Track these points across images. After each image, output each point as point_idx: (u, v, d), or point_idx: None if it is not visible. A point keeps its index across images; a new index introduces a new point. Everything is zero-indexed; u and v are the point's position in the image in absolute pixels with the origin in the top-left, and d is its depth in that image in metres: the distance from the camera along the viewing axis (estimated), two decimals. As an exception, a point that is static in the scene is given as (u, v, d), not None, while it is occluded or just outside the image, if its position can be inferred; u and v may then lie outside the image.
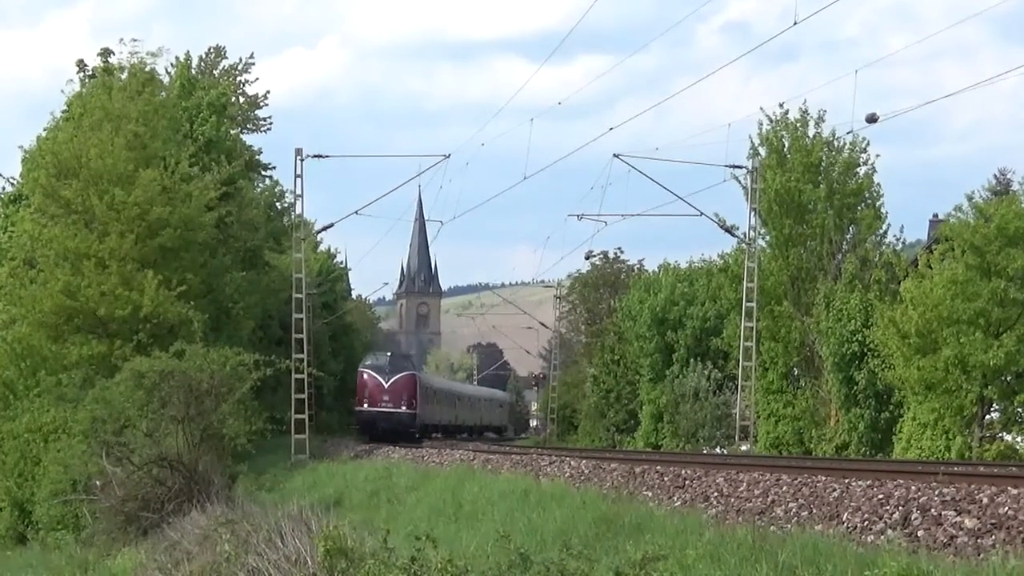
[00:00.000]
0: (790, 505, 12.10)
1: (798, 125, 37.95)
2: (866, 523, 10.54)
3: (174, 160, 36.44)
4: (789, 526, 10.96)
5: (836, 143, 37.69)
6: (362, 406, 48.17)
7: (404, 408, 47.93)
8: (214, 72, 46.25)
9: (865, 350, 32.96)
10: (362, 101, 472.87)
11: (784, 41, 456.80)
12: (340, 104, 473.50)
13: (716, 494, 13.88)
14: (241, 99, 46.96)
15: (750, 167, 37.26)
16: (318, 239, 56.88)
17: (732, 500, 13.30)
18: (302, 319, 37.93)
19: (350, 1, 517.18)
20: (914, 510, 10.35)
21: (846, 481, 12.45)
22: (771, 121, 38.20)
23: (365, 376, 48.79)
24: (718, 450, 40.58)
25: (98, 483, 27.17)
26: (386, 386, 47.85)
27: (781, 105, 38.25)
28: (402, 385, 48.37)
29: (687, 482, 15.12)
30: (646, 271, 61.30)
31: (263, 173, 49.25)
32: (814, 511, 11.47)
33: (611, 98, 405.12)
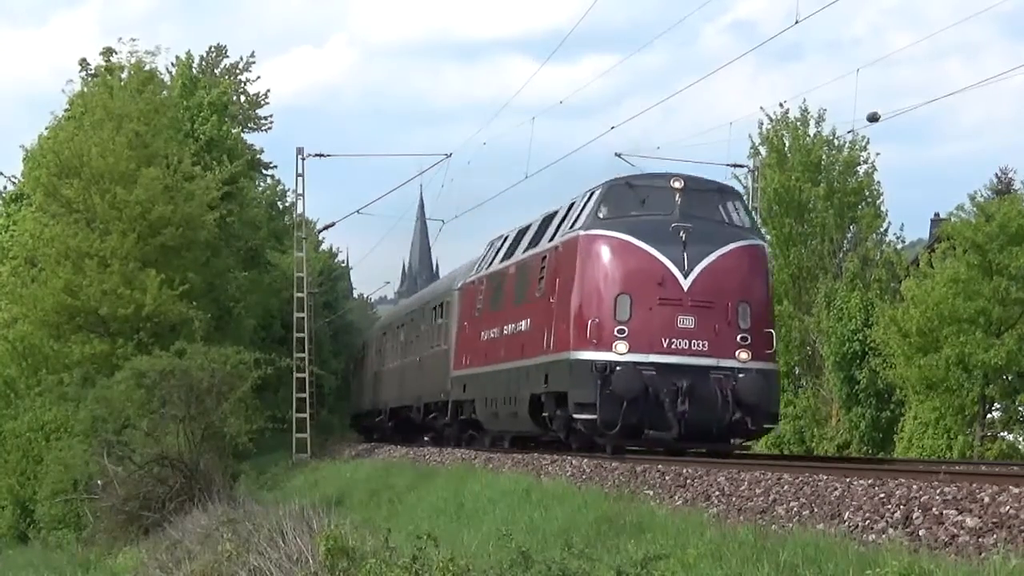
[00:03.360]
0: (791, 504, 12.07)
1: (798, 124, 38.01)
2: (867, 522, 10.52)
3: (176, 159, 36.43)
4: (790, 525, 10.94)
5: (836, 142, 37.76)
6: (592, 345, 17.89)
7: (749, 355, 18.09)
8: (215, 71, 46.22)
9: (866, 349, 32.96)
10: (368, 100, 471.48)
11: (790, 40, 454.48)
12: (347, 103, 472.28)
13: (717, 493, 13.84)
14: (242, 98, 46.94)
15: (751, 166, 37.27)
16: (320, 238, 56.83)
17: (733, 499, 13.27)
18: (303, 318, 37.91)
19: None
20: (915, 509, 10.33)
21: (847, 480, 12.41)
22: (771, 120, 38.29)
23: (613, 258, 18.41)
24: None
25: (99, 482, 27.21)
26: (687, 284, 17.95)
27: (781, 104, 38.43)
28: (745, 277, 18.61)
29: (688, 481, 15.08)
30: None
31: (264, 172, 49.24)
32: (815, 510, 11.45)
33: (616, 97, 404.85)
